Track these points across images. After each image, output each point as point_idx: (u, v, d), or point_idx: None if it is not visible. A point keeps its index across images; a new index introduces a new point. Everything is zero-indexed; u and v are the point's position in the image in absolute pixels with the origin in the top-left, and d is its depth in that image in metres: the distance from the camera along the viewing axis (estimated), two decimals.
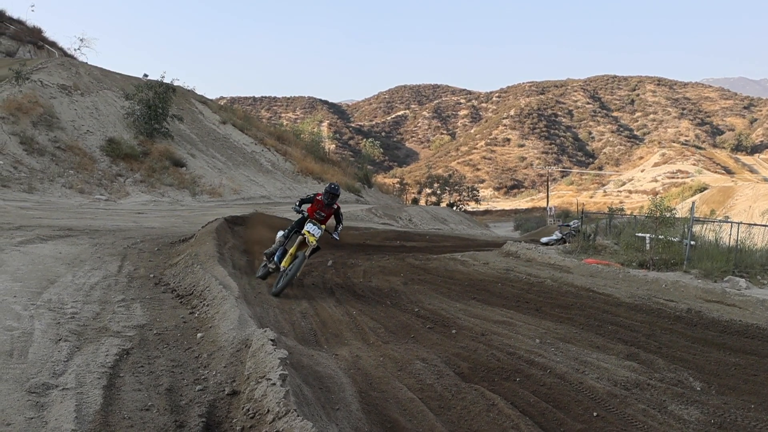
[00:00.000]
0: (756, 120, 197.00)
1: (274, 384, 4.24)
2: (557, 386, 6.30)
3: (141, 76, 38.74)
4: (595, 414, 5.70)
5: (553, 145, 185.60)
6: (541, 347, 7.75)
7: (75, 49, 48.66)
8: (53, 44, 49.22)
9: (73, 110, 31.67)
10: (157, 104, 33.81)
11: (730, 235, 18.25)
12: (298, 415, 3.77)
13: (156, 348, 5.91)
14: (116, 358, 5.35)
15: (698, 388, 6.66)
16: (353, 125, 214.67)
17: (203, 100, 47.63)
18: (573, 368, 6.90)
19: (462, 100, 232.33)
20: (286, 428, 3.71)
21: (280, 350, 4.84)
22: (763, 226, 17.58)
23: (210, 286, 7.95)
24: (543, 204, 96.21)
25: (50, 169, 25.73)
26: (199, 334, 6.34)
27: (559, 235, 22.98)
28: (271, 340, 5.09)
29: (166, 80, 35.61)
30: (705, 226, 19.38)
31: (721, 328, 9.25)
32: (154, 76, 36.84)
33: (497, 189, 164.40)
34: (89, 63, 42.24)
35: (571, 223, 23.71)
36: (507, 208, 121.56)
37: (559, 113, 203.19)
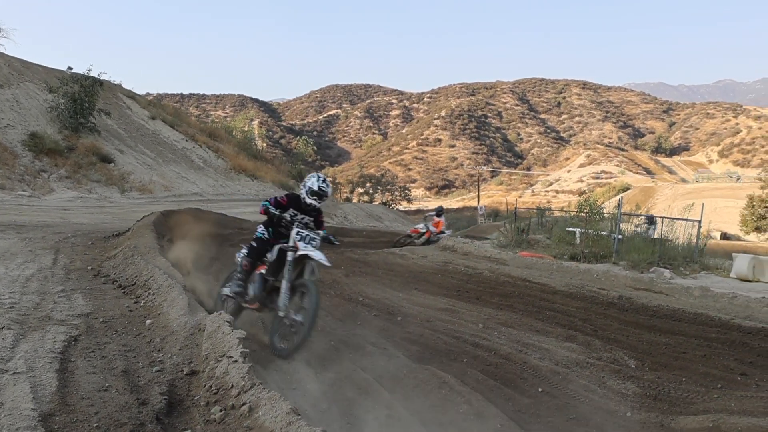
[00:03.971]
0: (674, 123, 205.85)
1: (236, 361, 4.25)
2: (503, 365, 6.52)
3: (65, 68, 37.38)
4: (540, 390, 5.94)
5: (483, 146, 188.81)
6: (485, 331, 7.98)
7: None
8: None
9: None
10: (83, 98, 32.63)
11: (654, 229, 19.14)
12: (264, 388, 3.81)
13: (104, 335, 5.80)
14: (65, 344, 5.24)
15: (633, 366, 7.00)
16: (284, 124, 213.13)
17: (131, 95, 46.30)
18: (516, 349, 7.14)
19: (394, 101, 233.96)
20: (254, 400, 3.74)
21: (238, 330, 4.86)
22: (685, 220, 18.45)
23: (154, 275, 7.83)
24: (474, 203, 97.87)
25: None
26: (147, 321, 6.26)
27: None
28: (227, 321, 5.09)
29: (93, 74, 34.50)
30: (631, 220, 20.27)
31: (650, 312, 9.70)
32: (78, 70, 35.47)
33: (429, 189, 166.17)
34: (8, 54, 40.44)
35: None
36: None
37: (489, 114, 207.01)
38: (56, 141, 30.27)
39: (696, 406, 5.74)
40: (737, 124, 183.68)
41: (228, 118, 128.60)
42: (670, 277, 13.88)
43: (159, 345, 5.49)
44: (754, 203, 56.80)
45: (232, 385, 4.02)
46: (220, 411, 3.90)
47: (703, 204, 20.90)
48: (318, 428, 3.27)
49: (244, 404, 3.76)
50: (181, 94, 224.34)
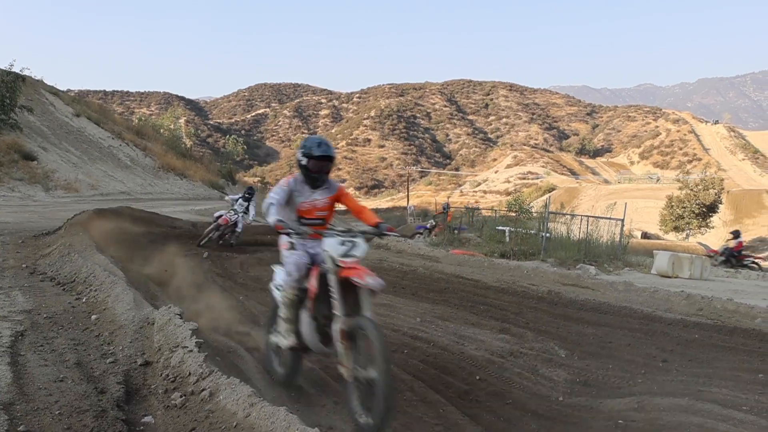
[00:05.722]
0: (597, 126, 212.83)
1: (191, 351, 4.39)
2: (441, 356, 6.83)
3: None
4: (477, 377, 6.26)
5: (412, 146, 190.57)
6: (423, 324, 8.30)
7: None
8: None
9: None
10: (3, 94, 31.46)
11: (580, 228, 19.95)
12: (222, 374, 3.97)
13: (50, 330, 5.82)
14: (12, 339, 5.24)
15: (563, 355, 7.44)
16: (212, 122, 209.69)
17: (54, 91, 44.79)
18: (453, 341, 7.47)
19: (323, 100, 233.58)
20: (213, 386, 3.90)
21: (190, 322, 4.98)
22: (608, 219, 19.31)
23: (95, 272, 7.82)
24: (403, 203, 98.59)
25: None
26: (93, 316, 6.29)
27: None
28: (178, 314, 5.21)
29: (15, 69, 33.26)
30: (558, 219, 21.09)
31: (578, 306, 10.28)
32: None
33: (358, 188, 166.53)
34: None
35: None
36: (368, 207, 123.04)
37: (418, 115, 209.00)
38: None
39: (622, 390, 6.19)
40: (657, 127, 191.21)
41: (153, 116, 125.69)
42: (596, 273, 14.58)
43: (108, 338, 5.55)
44: (673, 203, 59.54)
45: (190, 373, 4.17)
46: (181, 397, 4.04)
47: (625, 204, 21.88)
48: (281, 408, 3.46)
49: (204, 390, 3.92)
50: (104, 90, 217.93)
